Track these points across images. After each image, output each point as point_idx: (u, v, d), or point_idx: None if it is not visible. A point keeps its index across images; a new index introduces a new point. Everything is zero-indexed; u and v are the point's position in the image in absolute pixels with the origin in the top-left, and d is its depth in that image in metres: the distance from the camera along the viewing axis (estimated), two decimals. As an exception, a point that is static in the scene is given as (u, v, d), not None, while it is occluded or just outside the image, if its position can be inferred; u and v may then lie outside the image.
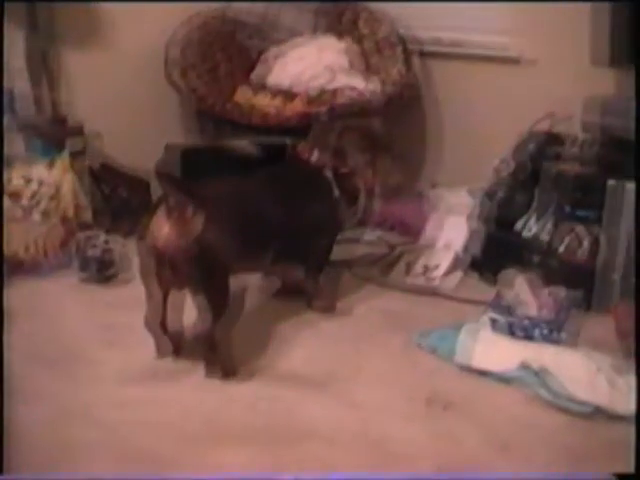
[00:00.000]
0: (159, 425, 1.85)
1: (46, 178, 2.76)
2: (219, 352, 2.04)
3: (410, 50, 3.25)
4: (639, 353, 1.81)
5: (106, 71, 3.28)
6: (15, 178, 2.70)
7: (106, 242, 2.73)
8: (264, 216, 2.13)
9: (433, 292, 2.58)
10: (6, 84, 2.89)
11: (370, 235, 2.91)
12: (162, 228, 1.98)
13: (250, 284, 2.38)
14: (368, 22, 3.40)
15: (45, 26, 3.05)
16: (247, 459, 1.73)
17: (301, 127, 2.61)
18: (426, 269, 2.68)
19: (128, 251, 2.72)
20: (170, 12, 3.33)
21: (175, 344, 2.15)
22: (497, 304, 2.29)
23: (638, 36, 2.29)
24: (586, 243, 2.39)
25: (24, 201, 2.69)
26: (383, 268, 2.75)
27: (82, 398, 1.96)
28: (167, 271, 2.01)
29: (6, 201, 2.66)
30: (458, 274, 2.67)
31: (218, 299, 2.02)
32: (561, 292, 2.36)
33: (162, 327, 2.12)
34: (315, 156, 2.37)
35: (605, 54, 2.51)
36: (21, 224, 2.69)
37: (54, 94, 3.11)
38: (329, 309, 2.44)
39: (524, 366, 2.00)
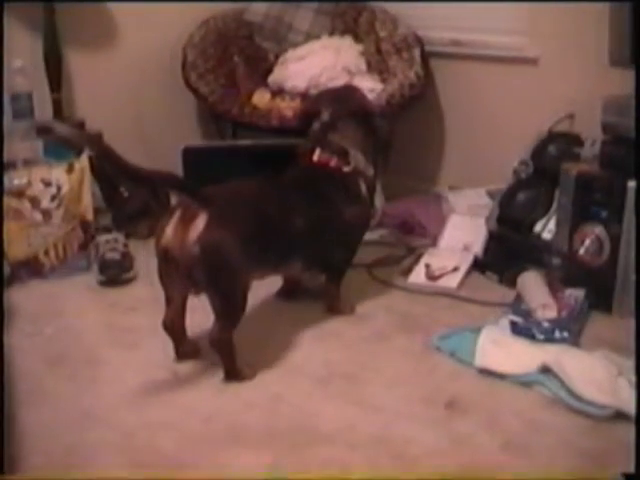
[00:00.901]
0: (163, 426, 1.84)
1: (65, 181, 2.74)
2: (223, 354, 2.02)
3: (414, 49, 3.24)
4: (639, 353, 1.80)
5: (110, 72, 3.28)
6: (22, 178, 2.68)
7: (107, 242, 2.71)
8: (270, 217, 2.11)
9: (438, 292, 2.57)
10: (19, 87, 2.89)
11: (373, 234, 2.89)
12: (165, 228, 1.98)
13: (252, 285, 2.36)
14: (371, 21, 3.40)
15: (49, 27, 3.05)
16: (250, 461, 1.71)
17: (302, 127, 2.59)
18: (431, 269, 2.67)
19: (130, 251, 2.71)
20: (174, 13, 3.34)
21: (177, 346, 2.13)
22: (507, 305, 2.28)
23: (638, 36, 2.28)
24: (591, 242, 2.39)
25: (26, 202, 2.67)
26: (387, 267, 2.74)
27: (87, 400, 1.95)
28: (172, 271, 2.00)
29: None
30: (464, 274, 2.66)
31: (223, 301, 1.99)
32: (568, 291, 2.35)
33: (166, 328, 2.11)
34: (317, 155, 2.35)
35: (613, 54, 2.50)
36: (23, 223, 2.68)
37: (56, 95, 3.10)
38: (335, 310, 2.43)
39: (543, 369, 1.97)
